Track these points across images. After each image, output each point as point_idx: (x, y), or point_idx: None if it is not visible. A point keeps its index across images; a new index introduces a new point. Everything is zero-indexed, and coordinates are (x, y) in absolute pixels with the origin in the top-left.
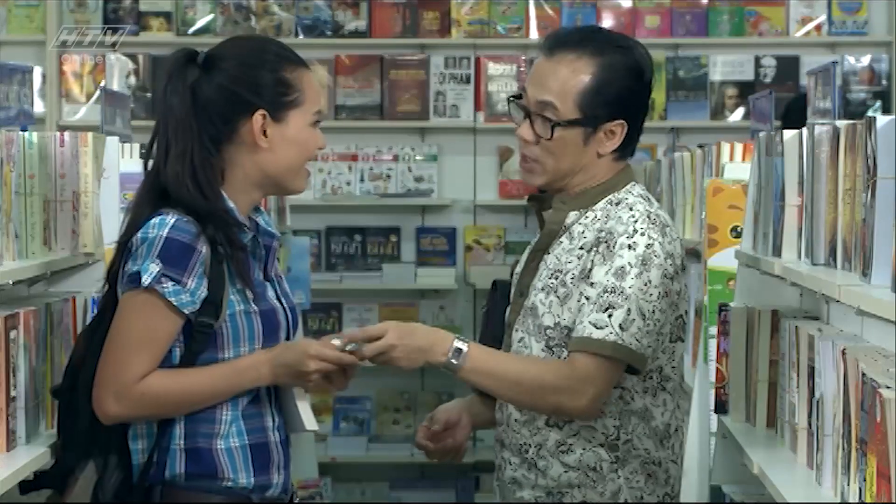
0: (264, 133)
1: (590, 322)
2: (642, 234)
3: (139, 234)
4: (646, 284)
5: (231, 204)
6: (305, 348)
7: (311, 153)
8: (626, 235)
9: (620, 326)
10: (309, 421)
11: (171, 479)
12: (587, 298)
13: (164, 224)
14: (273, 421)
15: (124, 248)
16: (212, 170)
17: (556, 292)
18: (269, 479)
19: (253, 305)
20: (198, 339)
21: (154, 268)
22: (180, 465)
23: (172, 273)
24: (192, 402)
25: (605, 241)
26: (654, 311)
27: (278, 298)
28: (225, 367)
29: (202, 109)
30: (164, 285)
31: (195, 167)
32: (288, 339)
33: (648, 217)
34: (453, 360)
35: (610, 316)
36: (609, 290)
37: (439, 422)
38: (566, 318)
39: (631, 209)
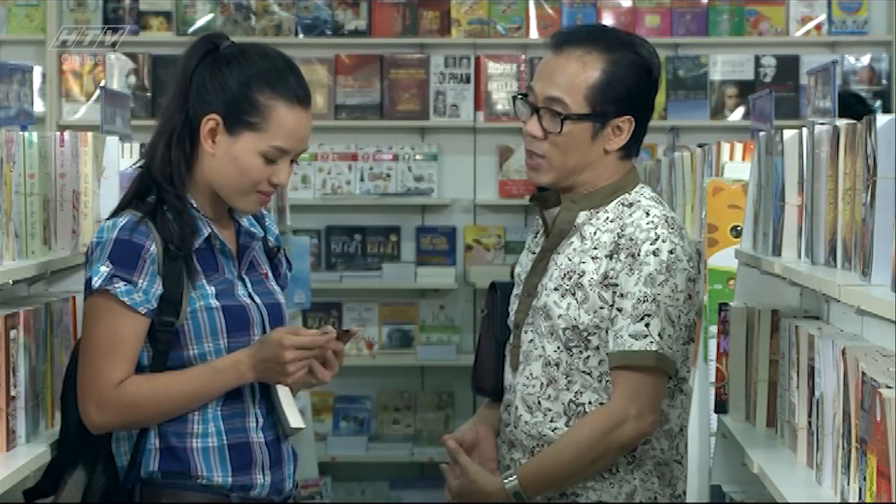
0: (214, 139)
1: (629, 335)
2: (664, 241)
3: (94, 239)
4: (673, 290)
5: (191, 201)
6: (279, 339)
7: (255, 181)
8: (649, 242)
9: (659, 335)
10: (294, 420)
11: (148, 477)
12: (620, 311)
13: (114, 226)
14: (257, 421)
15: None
16: (184, 153)
17: (573, 294)
18: (251, 479)
19: (214, 301)
20: (162, 339)
21: (104, 269)
22: (154, 464)
23: (122, 273)
24: (174, 404)
25: (628, 249)
26: (680, 316)
27: (251, 296)
28: (204, 368)
29: (192, 94)
30: (116, 286)
31: (172, 143)
32: None
33: (666, 221)
34: (509, 481)
35: (647, 325)
36: (642, 299)
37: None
38: (584, 321)
39: (647, 213)
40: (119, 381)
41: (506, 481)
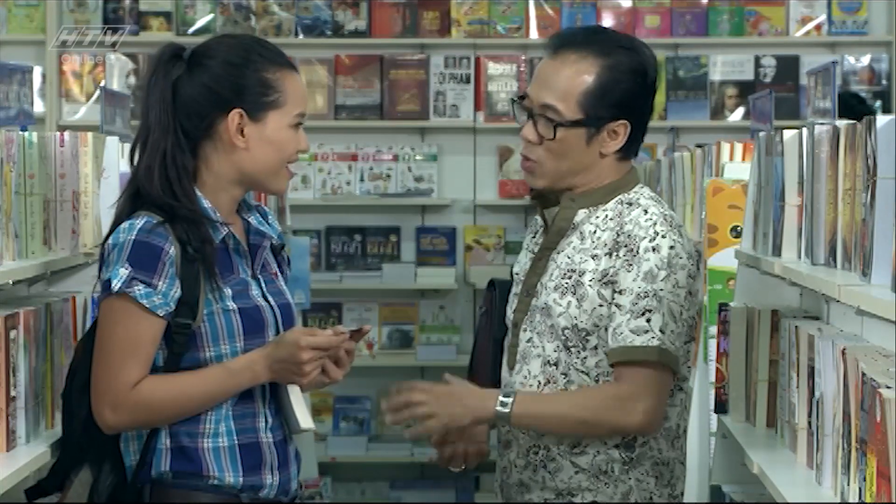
0: (241, 132)
1: (630, 330)
2: (664, 237)
3: (110, 240)
4: (674, 286)
5: (206, 203)
6: (296, 340)
7: (289, 154)
8: (648, 239)
9: (661, 330)
10: (304, 420)
11: (159, 477)
12: (618, 307)
13: (132, 228)
14: (266, 421)
15: (101, 254)
16: (184, 168)
17: (573, 293)
18: (261, 479)
19: (231, 303)
20: (178, 341)
21: (124, 272)
22: (166, 464)
23: (142, 276)
24: (189, 406)
25: (626, 246)
26: (681, 313)
27: (265, 297)
28: (219, 368)
29: (182, 106)
30: (135, 289)
31: (167, 163)
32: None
33: (665, 219)
34: (502, 409)
35: (648, 321)
36: (642, 295)
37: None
38: (584, 320)
39: (646, 211)
40: (135, 382)
41: (502, 394)
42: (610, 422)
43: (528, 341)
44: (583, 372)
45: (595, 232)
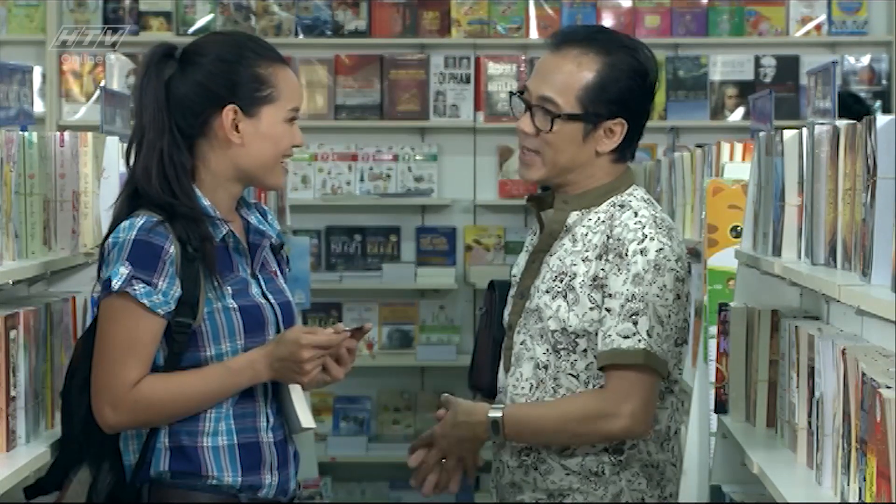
0: (236, 128)
1: (617, 334)
2: (651, 239)
3: (110, 239)
4: (661, 289)
5: (205, 201)
6: (297, 338)
7: (285, 149)
8: (637, 242)
9: (647, 333)
10: (306, 419)
11: (157, 477)
12: (608, 311)
13: (132, 227)
14: (267, 421)
15: (101, 253)
16: (182, 166)
17: (564, 297)
18: (260, 479)
19: (231, 301)
20: (178, 340)
21: (124, 271)
22: (165, 463)
23: (142, 275)
24: (189, 405)
25: (616, 249)
26: (670, 316)
27: (264, 295)
28: (219, 367)
29: (176, 104)
30: (135, 288)
31: (164, 162)
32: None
33: (654, 221)
34: (493, 433)
35: (636, 324)
36: (630, 298)
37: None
38: (574, 323)
39: (636, 214)
40: (135, 381)
41: (491, 408)
42: (597, 430)
43: (522, 344)
44: (572, 375)
45: (587, 235)
